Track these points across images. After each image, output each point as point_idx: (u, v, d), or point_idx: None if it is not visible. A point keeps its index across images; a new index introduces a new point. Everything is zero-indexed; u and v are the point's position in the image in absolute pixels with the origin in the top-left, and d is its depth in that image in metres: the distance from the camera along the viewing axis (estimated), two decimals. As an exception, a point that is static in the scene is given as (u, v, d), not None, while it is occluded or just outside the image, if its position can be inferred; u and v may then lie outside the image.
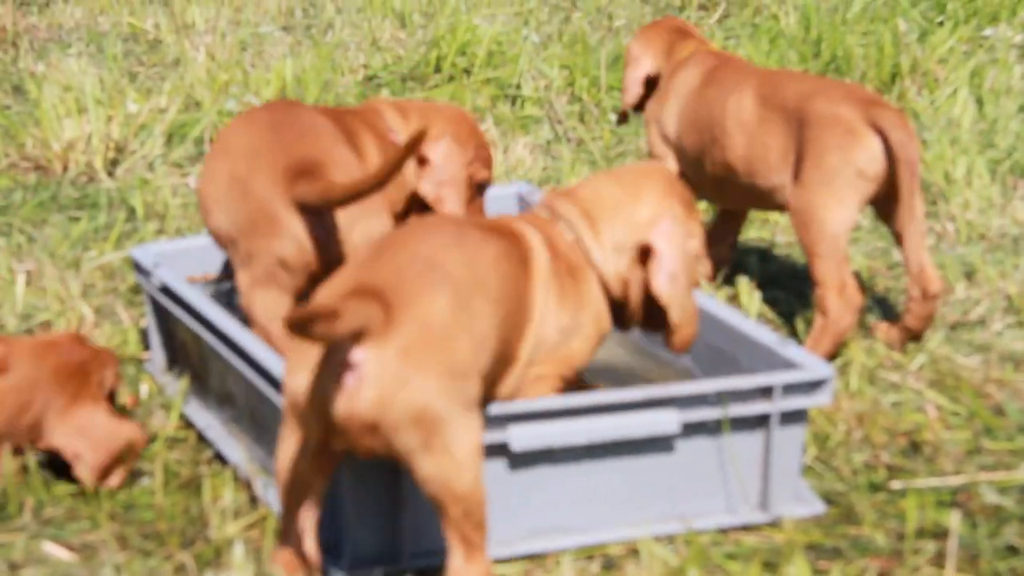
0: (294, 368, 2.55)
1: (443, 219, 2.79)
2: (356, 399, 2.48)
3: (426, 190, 3.67)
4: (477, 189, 3.74)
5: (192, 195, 4.93)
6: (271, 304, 3.20)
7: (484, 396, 2.68)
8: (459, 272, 2.59)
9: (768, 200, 3.76)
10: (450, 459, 2.48)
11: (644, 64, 4.11)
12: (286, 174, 3.14)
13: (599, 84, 5.74)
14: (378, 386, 2.47)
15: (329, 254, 3.17)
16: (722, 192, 3.90)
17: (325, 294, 2.55)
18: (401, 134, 3.65)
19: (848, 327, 3.55)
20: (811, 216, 3.58)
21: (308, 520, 2.65)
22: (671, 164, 4.00)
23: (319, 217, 3.15)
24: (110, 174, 5.08)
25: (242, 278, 3.22)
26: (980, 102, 5.45)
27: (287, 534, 2.65)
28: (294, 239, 3.16)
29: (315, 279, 3.16)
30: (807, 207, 3.59)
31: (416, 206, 3.72)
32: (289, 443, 2.60)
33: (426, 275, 2.55)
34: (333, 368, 2.49)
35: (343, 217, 3.17)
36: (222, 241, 3.30)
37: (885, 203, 3.62)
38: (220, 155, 3.30)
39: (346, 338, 2.45)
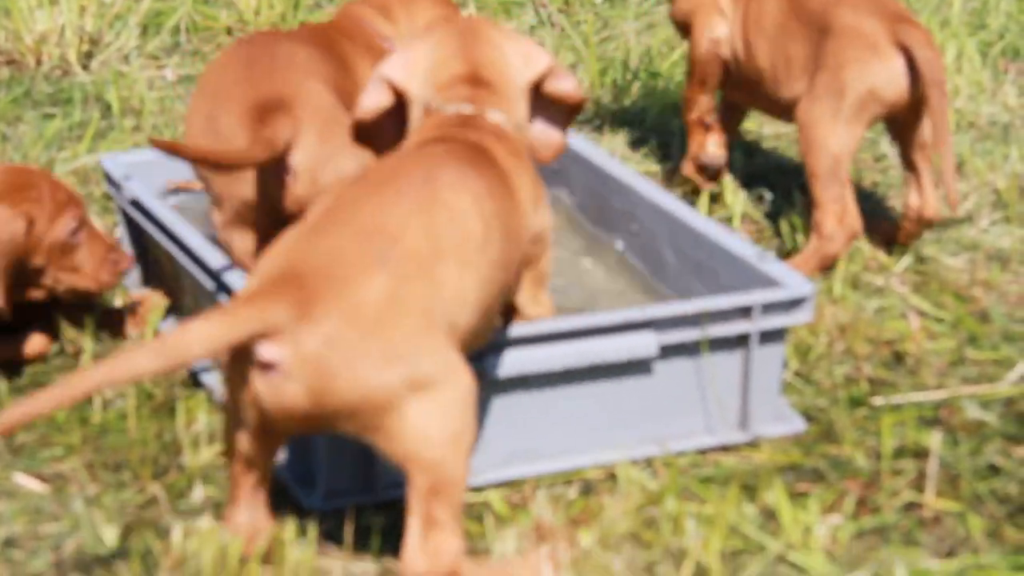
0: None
1: (412, 168, 2.62)
2: (282, 396, 2.39)
3: None
4: None
5: (168, 88, 4.85)
6: (245, 242, 3.15)
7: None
8: (415, 244, 2.46)
9: (791, 112, 3.62)
10: (409, 438, 2.41)
11: None
12: (250, 113, 3.07)
13: None
14: (303, 381, 2.36)
15: (295, 193, 3.10)
16: (753, 99, 3.77)
17: (248, 282, 2.46)
18: (392, 38, 3.55)
19: (839, 253, 3.47)
20: (814, 133, 3.47)
21: (259, 488, 2.57)
22: (716, 23, 3.76)
23: (281, 158, 3.07)
24: (84, 67, 4.98)
25: (216, 217, 3.17)
26: (972, -23, 5.34)
27: (236, 500, 2.58)
28: (243, 181, 3.09)
29: (289, 215, 3.10)
30: (812, 123, 3.48)
31: None
32: (232, 418, 2.50)
33: (367, 255, 2.42)
34: (255, 364, 2.39)
35: (312, 156, 3.09)
36: (200, 178, 3.24)
37: (901, 125, 3.52)
38: (199, 92, 3.23)
39: (255, 338, 2.36)
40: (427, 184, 2.56)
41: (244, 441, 2.50)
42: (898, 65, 3.42)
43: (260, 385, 2.39)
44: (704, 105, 3.83)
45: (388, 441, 2.41)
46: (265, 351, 2.37)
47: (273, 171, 3.07)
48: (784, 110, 3.65)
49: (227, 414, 2.50)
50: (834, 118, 3.45)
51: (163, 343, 2.32)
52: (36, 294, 3.24)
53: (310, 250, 2.44)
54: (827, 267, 3.47)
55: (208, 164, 3.07)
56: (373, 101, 2.86)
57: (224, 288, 3.07)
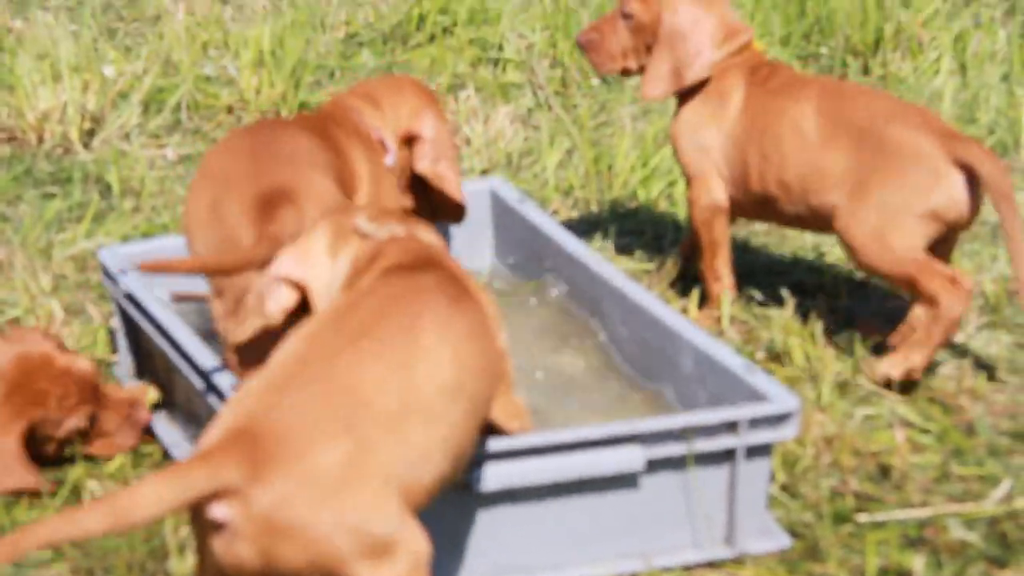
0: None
1: (394, 311, 2.58)
2: (234, 554, 2.36)
3: (423, 168, 3.61)
4: None
5: (168, 168, 4.89)
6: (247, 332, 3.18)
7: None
8: (387, 406, 2.43)
9: (819, 220, 3.62)
10: None
11: (708, 36, 3.81)
12: (256, 205, 3.09)
13: (582, 47, 5.65)
14: (252, 541, 2.34)
15: None
16: (767, 210, 3.74)
17: (207, 433, 2.42)
18: (382, 129, 3.59)
19: (960, 315, 3.42)
20: (877, 245, 3.46)
21: None
22: (714, 186, 3.76)
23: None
24: (86, 146, 5.02)
25: (216, 306, 3.19)
26: (964, 68, 5.38)
27: None
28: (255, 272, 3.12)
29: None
30: (871, 238, 3.47)
31: (416, 186, 3.67)
32: (199, 564, 2.46)
33: (333, 419, 2.39)
34: (206, 518, 2.37)
35: None
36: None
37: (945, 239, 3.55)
38: (201, 178, 3.25)
39: (207, 497, 2.34)
40: (410, 335, 2.54)
41: None
42: (958, 186, 3.43)
43: (214, 542, 2.37)
44: (726, 271, 3.83)
45: None
46: (216, 510, 2.34)
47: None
48: (806, 220, 3.66)
49: (197, 558, 2.48)
50: (894, 231, 3.45)
51: (113, 503, 2.27)
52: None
53: (274, 406, 2.39)
54: (951, 336, 3.47)
55: (212, 273, 3.08)
56: (278, 304, 2.83)
57: (213, 388, 3.09)
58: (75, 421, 3.22)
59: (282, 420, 2.37)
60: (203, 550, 2.42)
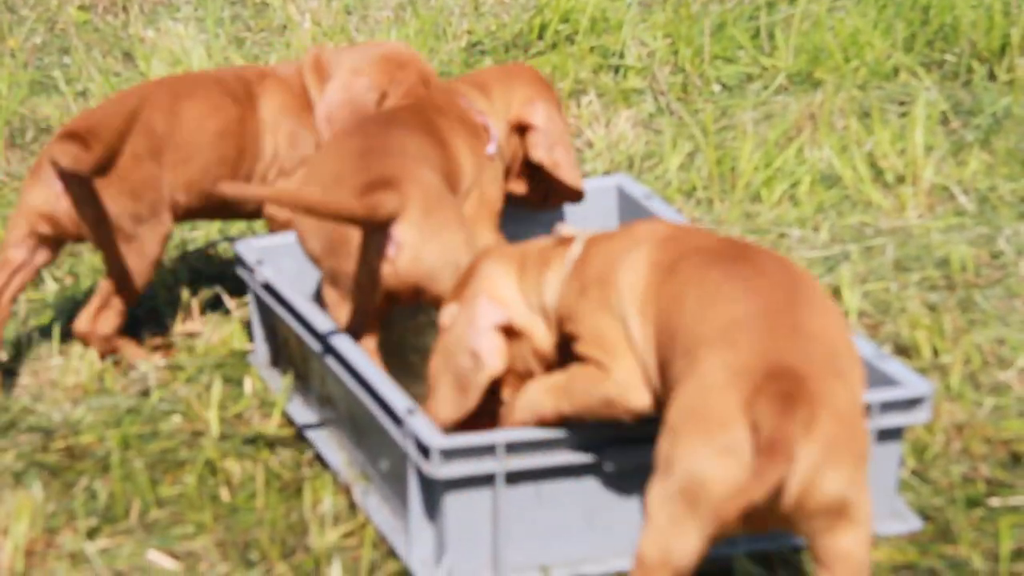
0: None
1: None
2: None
3: (540, 156, 3.66)
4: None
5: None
6: (358, 319, 3.25)
7: None
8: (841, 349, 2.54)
9: None
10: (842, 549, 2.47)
11: None
12: (360, 190, 3.16)
13: (703, 54, 5.69)
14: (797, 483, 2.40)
15: (397, 267, 3.18)
16: None
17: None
18: (489, 116, 3.65)
19: None
20: None
21: None
22: None
23: (385, 229, 3.15)
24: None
25: (330, 296, 3.26)
26: (1094, 75, 5.35)
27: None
28: (345, 256, 3.20)
29: (390, 293, 3.19)
30: None
31: (529, 172, 3.73)
32: None
33: (828, 363, 2.48)
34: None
35: (416, 230, 3.17)
36: (314, 261, 3.34)
37: None
38: (309, 179, 3.34)
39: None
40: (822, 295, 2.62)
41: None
42: None
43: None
44: None
45: (831, 540, 2.45)
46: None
47: (376, 244, 3.15)
48: None
49: None
50: None
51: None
52: None
53: (791, 352, 2.46)
54: None
55: (306, 210, 3.12)
56: (497, 352, 2.89)
57: (355, 374, 3.15)
58: None
59: (807, 371, 2.42)
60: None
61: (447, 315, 2.94)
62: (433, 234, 3.17)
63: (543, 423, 2.82)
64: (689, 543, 2.43)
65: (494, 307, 2.87)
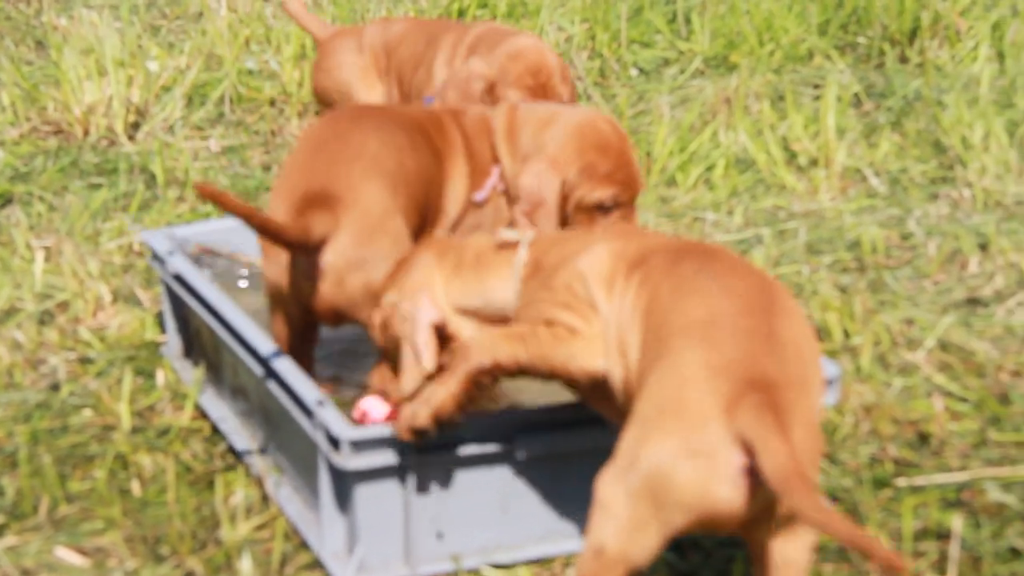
0: None
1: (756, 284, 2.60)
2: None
3: (516, 217, 3.41)
4: (597, 208, 3.40)
5: (212, 159, 4.96)
6: (281, 330, 3.23)
7: None
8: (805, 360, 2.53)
9: None
10: None
11: None
12: (296, 203, 3.13)
13: (620, 39, 5.71)
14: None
15: (320, 292, 3.14)
16: None
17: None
18: (506, 167, 3.45)
19: None
20: None
21: None
22: None
23: (311, 252, 3.12)
24: (131, 138, 5.11)
25: (268, 301, 3.25)
26: (1001, 56, 5.41)
27: None
28: (279, 267, 3.17)
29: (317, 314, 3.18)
30: None
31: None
32: None
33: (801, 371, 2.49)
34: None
35: (341, 258, 3.12)
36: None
37: None
38: (282, 170, 3.28)
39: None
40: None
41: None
42: None
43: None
44: None
45: (780, 545, 2.46)
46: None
47: (304, 265, 3.13)
48: None
49: None
50: None
51: None
52: None
53: (772, 363, 2.43)
54: None
55: (245, 221, 3.03)
56: (431, 359, 2.87)
57: (263, 363, 3.14)
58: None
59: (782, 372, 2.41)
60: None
61: (387, 301, 2.93)
62: (359, 264, 3.12)
63: (496, 369, 2.77)
64: (650, 541, 2.39)
65: (432, 306, 2.87)
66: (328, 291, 3.13)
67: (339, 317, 3.17)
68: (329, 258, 3.11)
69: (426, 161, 3.34)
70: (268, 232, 3.02)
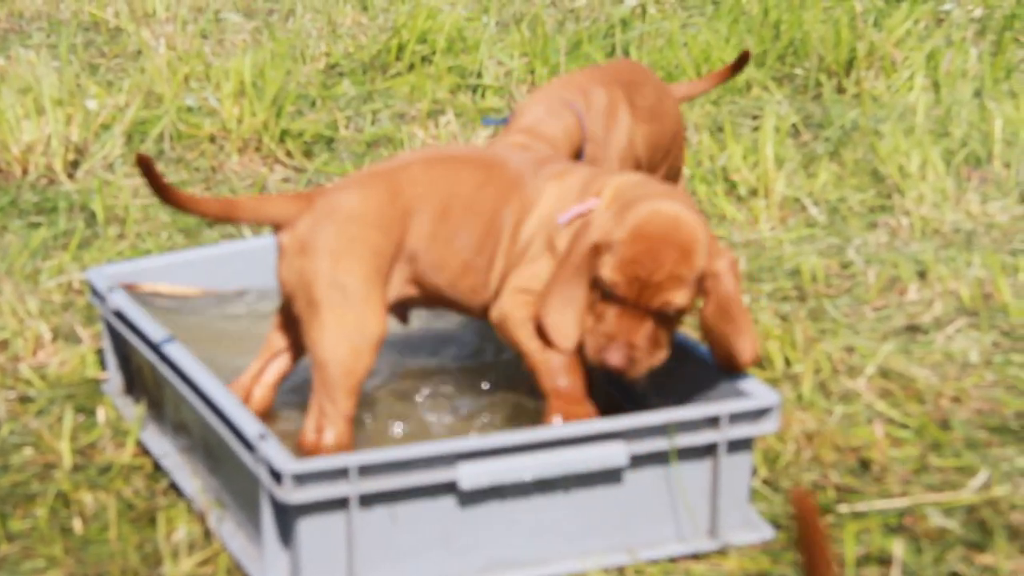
0: None
1: None
2: None
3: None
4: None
5: (152, 197, 4.94)
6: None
7: None
8: None
9: None
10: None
11: None
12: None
13: (559, 72, 5.74)
14: None
15: (280, 274, 3.23)
16: None
17: None
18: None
19: None
20: None
21: None
22: None
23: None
24: (70, 176, 5.08)
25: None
26: (936, 86, 5.47)
27: None
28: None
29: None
30: None
31: None
32: None
33: None
34: None
35: (294, 245, 3.19)
36: None
37: None
38: None
39: None
40: None
41: None
42: None
43: None
44: None
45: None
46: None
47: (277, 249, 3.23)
48: None
49: None
50: None
51: None
52: None
53: None
54: None
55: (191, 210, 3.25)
56: None
57: (203, 397, 3.13)
58: None
59: None
60: None
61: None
62: (304, 250, 3.15)
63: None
64: None
65: None
66: (283, 271, 3.19)
67: (292, 301, 3.20)
68: (284, 237, 3.19)
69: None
70: (214, 213, 3.22)
